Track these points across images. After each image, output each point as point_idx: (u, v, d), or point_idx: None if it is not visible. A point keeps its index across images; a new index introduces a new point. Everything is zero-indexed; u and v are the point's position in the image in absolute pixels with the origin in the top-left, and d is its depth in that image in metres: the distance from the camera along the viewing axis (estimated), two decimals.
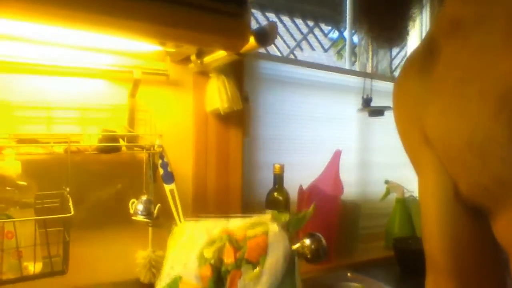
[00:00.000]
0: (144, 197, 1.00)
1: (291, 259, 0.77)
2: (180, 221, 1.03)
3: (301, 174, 1.37)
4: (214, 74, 1.18)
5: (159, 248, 1.04)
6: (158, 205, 1.00)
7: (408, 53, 0.60)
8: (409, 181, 1.47)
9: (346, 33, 1.92)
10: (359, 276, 1.23)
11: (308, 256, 0.81)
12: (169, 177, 1.06)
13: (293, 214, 0.82)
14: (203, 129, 1.22)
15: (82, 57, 1.02)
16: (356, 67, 1.82)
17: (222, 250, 0.78)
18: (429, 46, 0.50)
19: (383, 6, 0.55)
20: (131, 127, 1.08)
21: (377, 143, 1.67)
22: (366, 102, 1.53)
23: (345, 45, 1.95)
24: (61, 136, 0.96)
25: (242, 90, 1.26)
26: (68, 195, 0.90)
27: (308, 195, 1.29)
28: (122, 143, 1.02)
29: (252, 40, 0.91)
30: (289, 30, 2.06)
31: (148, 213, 0.99)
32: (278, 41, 1.94)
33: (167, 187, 1.05)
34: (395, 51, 2.04)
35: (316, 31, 2.16)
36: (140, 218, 0.99)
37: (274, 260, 0.74)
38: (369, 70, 1.78)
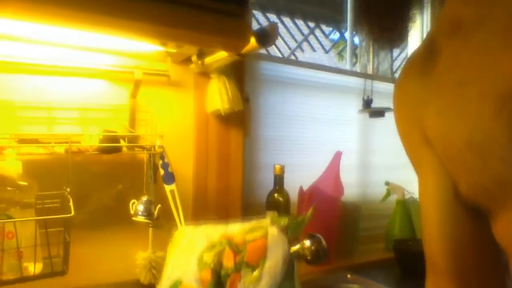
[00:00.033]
0: (144, 198, 1.00)
1: (290, 262, 0.77)
2: (181, 222, 1.03)
3: (302, 175, 1.37)
4: (215, 75, 1.18)
5: (160, 249, 1.04)
6: (159, 205, 1.00)
7: (409, 54, 0.60)
8: (410, 182, 1.47)
9: (347, 34, 1.92)
10: (359, 277, 1.23)
11: (308, 258, 0.81)
12: (170, 178, 1.06)
13: (292, 217, 0.82)
14: (204, 130, 1.22)
15: (83, 58, 1.03)
16: (357, 68, 1.82)
17: (222, 254, 0.79)
18: (429, 47, 0.50)
19: (383, 7, 0.55)
20: (132, 127, 1.08)
21: (377, 144, 1.67)
22: (367, 103, 1.53)
23: (346, 46, 1.95)
24: (62, 136, 0.96)
25: (243, 91, 1.26)
26: (69, 196, 0.91)
27: (309, 196, 1.29)
28: (122, 143, 1.02)
29: (253, 41, 0.91)
30: (290, 31, 2.06)
31: (148, 213, 0.99)
32: (279, 42, 1.94)
33: (168, 188, 1.05)
34: (396, 52, 2.04)
35: (317, 32, 2.16)
36: (141, 218, 0.99)
37: (273, 263, 0.75)
38: (370, 71, 1.78)
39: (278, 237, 0.78)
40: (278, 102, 1.43)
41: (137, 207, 0.99)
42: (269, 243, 0.77)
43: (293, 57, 1.94)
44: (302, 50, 2.08)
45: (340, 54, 2.24)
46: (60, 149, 0.95)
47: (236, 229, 0.82)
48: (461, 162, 0.44)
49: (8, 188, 0.86)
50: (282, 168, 1.22)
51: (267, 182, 1.26)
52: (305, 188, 1.32)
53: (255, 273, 0.74)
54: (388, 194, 1.59)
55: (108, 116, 1.06)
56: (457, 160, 0.44)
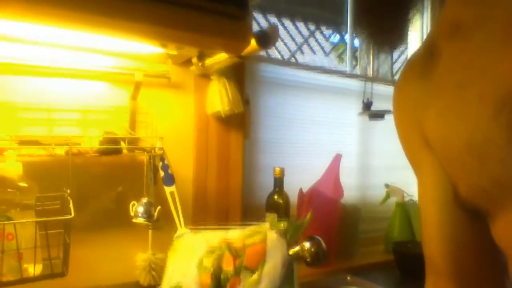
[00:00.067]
0: (144, 199, 1.00)
1: (289, 266, 0.77)
2: (180, 224, 1.03)
3: (302, 177, 1.37)
4: (215, 77, 1.18)
5: (159, 250, 1.04)
6: (159, 207, 1.00)
7: (409, 56, 0.60)
8: (409, 184, 1.47)
9: (347, 37, 1.92)
10: (358, 279, 1.23)
11: (308, 260, 0.81)
12: (170, 180, 1.06)
13: (291, 221, 0.83)
14: (204, 132, 1.22)
15: (84, 59, 1.03)
16: (357, 71, 1.83)
17: (221, 258, 0.79)
18: (429, 48, 0.50)
19: (382, 9, 0.55)
20: (132, 129, 1.08)
21: (377, 146, 1.67)
22: (367, 105, 1.54)
23: (346, 49, 1.95)
24: (62, 138, 0.97)
25: (243, 93, 1.26)
26: (69, 197, 0.91)
27: (308, 198, 1.29)
28: (123, 145, 1.02)
29: (253, 43, 0.91)
30: (290, 33, 2.07)
31: (148, 215, 0.99)
32: (279, 44, 1.94)
33: (168, 190, 1.05)
34: (396, 54, 2.04)
35: (317, 34, 2.16)
36: (140, 220, 0.99)
37: (272, 266, 0.75)
38: (370, 73, 1.78)
39: (277, 241, 0.78)
40: (278, 104, 1.43)
41: (137, 208, 0.99)
42: (268, 247, 0.77)
43: (293, 60, 1.94)
44: (302, 53, 2.08)
45: (340, 57, 2.25)
46: (60, 151, 0.95)
47: (236, 234, 0.82)
48: (460, 163, 0.44)
49: (9, 190, 0.86)
50: (282, 171, 1.22)
51: (267, 184, 1.26)
52: (305, 190, 1.32)
53: (254, 276, 0.75)
54: (387, 196, 1.59)
55: (109, 118, 1.07)
56: (457, 161, 0.44)
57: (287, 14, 2.00)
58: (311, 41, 2.11)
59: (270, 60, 1.52)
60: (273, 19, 1.90)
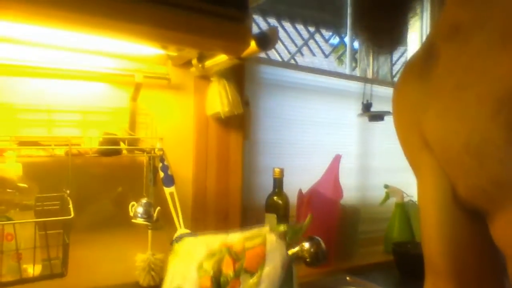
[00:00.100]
0: (144, 200, 1.01)
1: (288, 268, 0.78)
2: (180, 224, 1.03)
3: (301, 178, 1.37)
4: (215, 78, 1.18)
5: (159, 251, 1.05)
6: (158, 208, 1.00)
7: (408, 58, 0.60)
8: (409, 185, 1.48)
9: (347, 39, 1.93)
10: (358, 280, 1.23)
11: (307, 260, 0.82)
12: (169, 180, 1.06)
13: (290, 225, 0.83)
14: (204, 133, 1.22)
15: (84, 60, 1.03)
16: (357, 73, 1.83)
17: (221, 262, 0.79)
18: (428, 50, 0.50)
19: (380, 11, 0.55)
20: (132, 130, 1.08)
21: (376, 147, 1.67)
22: (366, 107, 1.54)
23: (345, 50, 1.95)
24: (62, 139, 0.97)
25: (242, 94, 1.26)
26: (69, 198, 0.91)
27: (308, 199, 1.29)
28: (122, 146, 1.03)
29: (253, 44, 0.91)
30: (290, 35, 2.07)
31: (148, 216, 0.99)
32: (279, 46, 1.95)
33: (167, 190, 1.05)
34: (396, 56, 2.05)
35: (317, 36, 2.17)
36: (140, 221, 0.99)
37: (272, 268, 0.75)
38: (369, 75, 1.78)
39: (277, 244, 0.78)
40: (278, 105, 1.44)
41: (137, 209, 0.99)
42: (268, 250, 0.77)
43: (293, 62, 1.94)
44: (302, 55, 2.09)
45: (340, 59, 2.25)
46: (60, 152, 0.95)
47: (236, 237, 0.82)
48: (459, 164, 0.44)
49: (8, 190, 0.86)
50: (282, 171, 1.22)
51: (266, 185, 1.26)
52: (304, 191, 1.32)
53: (254, 279, 0.75)
54: (387, 197, 1.59)
55: (108, 119, 1.07)
56: (455, 162, 0.45)
57: (287, 16, 2.01)
58: (311, 43, 2.11)
59: (270, 61, 1.53)
60: (273, 22, 1.91)
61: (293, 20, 2.05)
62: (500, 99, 0.39)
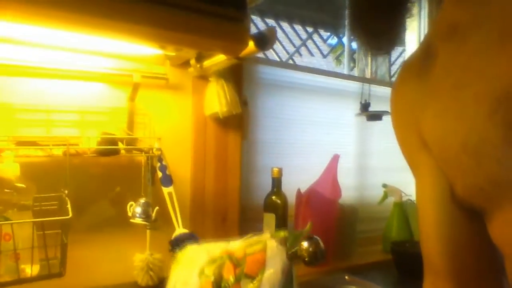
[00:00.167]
0: (142, 200, 1.00)
1: (288, 272, 0.78)
2: (178, 224, 1.03)
3: (299, 177, 1.37)
4: (213, 78, 1.18)
5: (157, 251, 1.04)
6: (156, 208, 1.00)
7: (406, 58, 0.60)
8: (407, 185, 1.48)
9: (345, 39, 1.93)
10: (356, 279, 1.23)
11: (306, 259, 0.81)
12: (168, 180, 1.06)
13: (290, 230, 0.84)
14: (202, 133, 1.22)
15: (82, 61, 1.03)
16: (355, 73, 1.83)
17: (222, 267, 0.80)
18: (426, 50, 0.50)
19: (376, 12, 0.55)
20: (130, 130, 1.08)
21: (375, 147, 1.67)
22: (364, 106, 1.54)
23: (343, 51, 1.96)
24: (60, 139, 0.97)
25: (241, 94, 1.26)
26: (67, 198, 0.91)
27: (306, 198, 1.29)
28: (121, 146, 1.03)
29: (251, 44, 0.91)
30: (288, 36, 2.07)
31: (146, 215, 0.99)
32: (277, 46, 1.95)
33: (165, 190, 1.05)
34: (394, 56, 2.05)
35: (315, 37, 2.17)
36: (138, 220, 0.98)
37: (272, 273, 0.76)
38: (368, 75, 1.78)
39: (277, 249, 0.79)
40: (276, 105, 1.44)
41: (135, 209, 0.99)
42: (268, 255, 0.78)
43: (291, 62, 1.95)
44: (300, 55, 2.09)
45: (338, 59, 2.26)
46: (58, 152, 0.95)
47: (237, 245, 0.83)
48: (457, 163, 0.44)
49: (6, 190, 0.86)
50: (280, 171, 1.22)
51: (265, 184, 1.26)
52: (303, 190, 1.32)
53: (254, 283, 0.75)
54: (385, 196, 1.59)
55: (107, 119, 1.07)
56: (453, 161, 0.45)
57: (285, 16, 2.01)
58: (309, 43, 2.12)
59: (268, 62, 1.53)
60: (271, 22, 1.91)
61: (291, 21, 2.05)
62: (497, 99, 0.39)
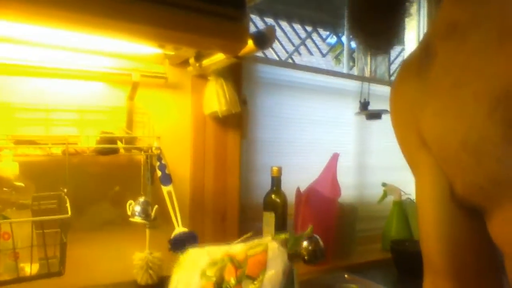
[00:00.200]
0: (141, 199, 1.00)
1: (289, 273, 0.78)
2: (178, 223, 1.03)
3: (299, 176, 1.37)
4: (212, 77, 1.18)
5: (157, 249, 1.05)
6: (156, 206, 1.00)
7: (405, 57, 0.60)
8: (406, 183, 1.48)
9: (344, 38, 1.93)
10: (356, 277, 1.23)
11: (306, 257, 0.82)
12: (167, 179, 1.06)
13: (291, 233, 0.84)
14: (201, 132, 1.22)
15: (82, 60, 1.03)
16: (354, 72, 1.83)
17: (224, 269, 0.81)
18: (425, 49, 0.50)
19: (374, 13, 0.55)
20: (129, 129, 1.08)
21: (374, 146, 1.67)
22: (364, 105, 1.54)
23: (343, 50, 1.95)
24: (59, 138, 0.96)
25: (240, 93, 1.26)
26: (66, 197, 0.90)
27: (306, 197, 1.29)
28: (120, 145, 1.02)
29: (250, 43, 0.91)
30: (288, 35, 2.07)
31: (145, 214, 0.99)
32: (277, 46, 1.95)
33: (165, 189, 1.05)
34: (393, 55, 2.05)
35: (314, 36, 2.17)
36: (138, 219, 0.98)
37: (273, 273, 0.76)
38: (367, 74, 1.79)
39: (278, 251, 0.80)
40: (276, 104, 1.44)
41: (134, 208, 0.99)
42: (269, 256, 0.79)
43: (290, 61, 1.94)
44: (300, 54, 2.09)
45: (337, 58, 2.25)
46: (57, 150, 0.95)
47: (238, 248, 0.83)
48: (456, 162, 0.44)
49: (5, 189, 0.86)
50: (280, 170, 1.22)
51: (264, 183, 1.26)
52: (302, 189, 1.33)
53: (256, 283, 0.76)
54: (385, 195, 1.59)
55: (106, 118, 1.07)
56: (453, 160, 0.45)
57: (284, 15, 2.01)
58: (308, 42, 2.11)
59: (267, 61, 1.53)
60: (270, 21, 1.91)
61: (290, 20, 2.05)
62: (497, 97, 0.39)
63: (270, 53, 1.81)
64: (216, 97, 1.17)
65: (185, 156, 1.20)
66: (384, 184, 1.60)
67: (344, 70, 1.86)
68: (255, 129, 1.38)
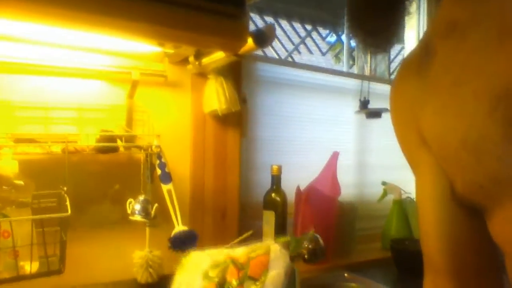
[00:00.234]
0: (141, 197, 1.00)
1: (291, 274, 0.79)
2: (178, 221, 1.03)
3: (299, 175, 1.37)
4: (212, 76, 1.18)
5: (156, 248, 1.05)
6: (156, 205, 1.00)
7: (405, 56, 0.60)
8: (406, 182, 1.48)
9: (344, 37, 1.92)
10: (356, 276, 1.23)
11: (306, 256, 0.82)
12: (167, 177, 1.06)
13: (293, 236, 0.85)
14: (201, 130, 1.22)
15: (81, 58, 1.03)
16: (354, 70, 1.83)
17: (226, 271, 0.81)
18: (425, 47, 0.50)
19: (373, 11, 0.55)
20: (129, 127, 1.08)
21: (374, 144, 1.67)
22: (364, 104, 1.54)
23: (343, 48, 1.95)
24: (58, 136, 0.96)
25: (240, 92, 1.26)
26: (65, 195, 0.90)
27: (306, 196, 1.29)
28: (119, 143, 1.02)
29: (250, 41, 0.91)
30: (287, 33, 2.07)
31: (145, 213, 0.99)
32: (276, 44, 1.94)
33: (165, 187, 1.05)
34: (393, 54, 2.05)
35: (314, 34, 2.17)
36: (138, 218, 0.98)
37: (275, 274, 0.76)
38: (367, 72, 1.78)
39: (280, 252, 0.80)
40: (276, 103, 1.44)
41: (134, 206, 0.99)
42: (271, 258, 0.79)
43: (290, 59, 1.94)
44: (299, 53, 2.08)
45: (337, 57, 2.25)
46: (57, 149, 0.94)
47: (240, 251, 0.83)
48: (456, 160, 0.44)
49: (4, 187, 0.86)
50: (279, 168, 1.22)
51: (264, 182, 1.26)
52: (302, 188, 1.32)
53: (258, 284, 0.76)
54: (385, 194, 1.59)
55: (105, 116, 1.06)
56: (453, 158, 0.45)
57: (283, 14, 2.00)
58: (308, 41, 2.11)
59: (267, 59, 1.53)
60: (270, 19, 1.90)
61: (290, 18, 2.05)
62: (497, 96, 0.39)
63: (269, 51, 1.80)
64: (216, 96, 1.16)
65: (185, 155, 1.20)
66: (384, 183, 1.60)
67: (344, 68, 1.86)
68: (255, 128, 1.38)
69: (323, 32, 2.18)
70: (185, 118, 1.20)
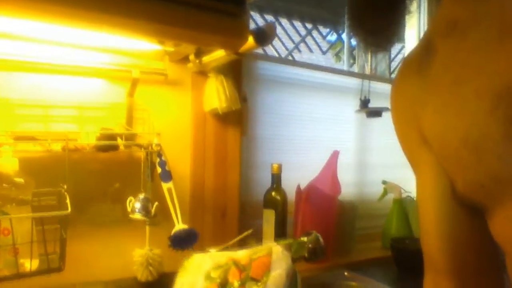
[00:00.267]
0: (141, 195, 1.00)
1: (293, 275, 0.79)
2: (178, 220, 1.03)
3: (299, 174, 1.37)
4: (212, 74, 1.18)
5: (157, 246, 1.05)
6: (156, 203, 1.00)
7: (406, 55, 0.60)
8: (407, 181, 1.48)
9: (345, 36, 1.92)
10: (356, 275, 1.23)
11: (306, 255, 0.82)
12: (167, 176, 1.05)
13: (295, 239, 0.85)
14: (201, 128, 1.22)
15: (81, 56, 1.02)
16: (355, 69, 1.83)
17: (228, 272, 0.81)
18: (426, 46, 0.50)
19: (373, 11, 0.55)
20: (129, 125, 1.08)
21: (374, 143, 1.67)
22: (364, 103, 1.54)
23: (343, 47, 1.95)
24: (58, 134, 0.96)
25: (240, 90, 1.26)
26: (66, 193, 0.90)
27: (306, 195, 1.29)
28: (120, 141, 1.02)
29: (250, 40, 0.91)
30: (288, 32, 2.07)
31: (145, 211, 0.99)
32: (277, 43, 1.94)
33: (165, 186, 1.05)
34: (394, 53, 2.05)
35: (314, 33, 2.16)
36: (138, 216, 0.98)
37: (277, 275, 0.77)
38: (367, 71, 1.78)
39: (282, 254, 0.80)
40: (276, 101, 1.44)
41: (134, 204, 0.99)
42: (273, 259, 0.79)
43: (290, 58, 1.94)
44: (300, 51, 2.08)
45: (338, 55, 2.25)
46: (57, 147, 0.94)
47: (242, 253, 0.84)
48: (457, 159, 0.44)
49: (4, 185, 0.86)
50: (280, 167, 1.22)
51: (264, 180, 1.26)
52: (302, 187, 1.32)
53: (259, 285, 0.76)
54: (385, 193, 1.59)
55: (105, 114, 1.06)
56: (454, 158, 0.45)
57: (284, 13, 2.00)
58: (308, 39, 2.11)
59: (268, 57, 1.52)
60: (270, 18, 1.90)
61: (290, 17, 2.04)
62: (498, 94, 0.39)
63: (270, 50, 1.80)
64: (216, 94, 1.16)
65: (185, 153, 1.20)
66: (384, 182, 1.60)
67: (345, 67, 1.86)
68: (255, 126, 1.38)
69: (324, 30, 2.17)
70: (186, 117, 1.20)
